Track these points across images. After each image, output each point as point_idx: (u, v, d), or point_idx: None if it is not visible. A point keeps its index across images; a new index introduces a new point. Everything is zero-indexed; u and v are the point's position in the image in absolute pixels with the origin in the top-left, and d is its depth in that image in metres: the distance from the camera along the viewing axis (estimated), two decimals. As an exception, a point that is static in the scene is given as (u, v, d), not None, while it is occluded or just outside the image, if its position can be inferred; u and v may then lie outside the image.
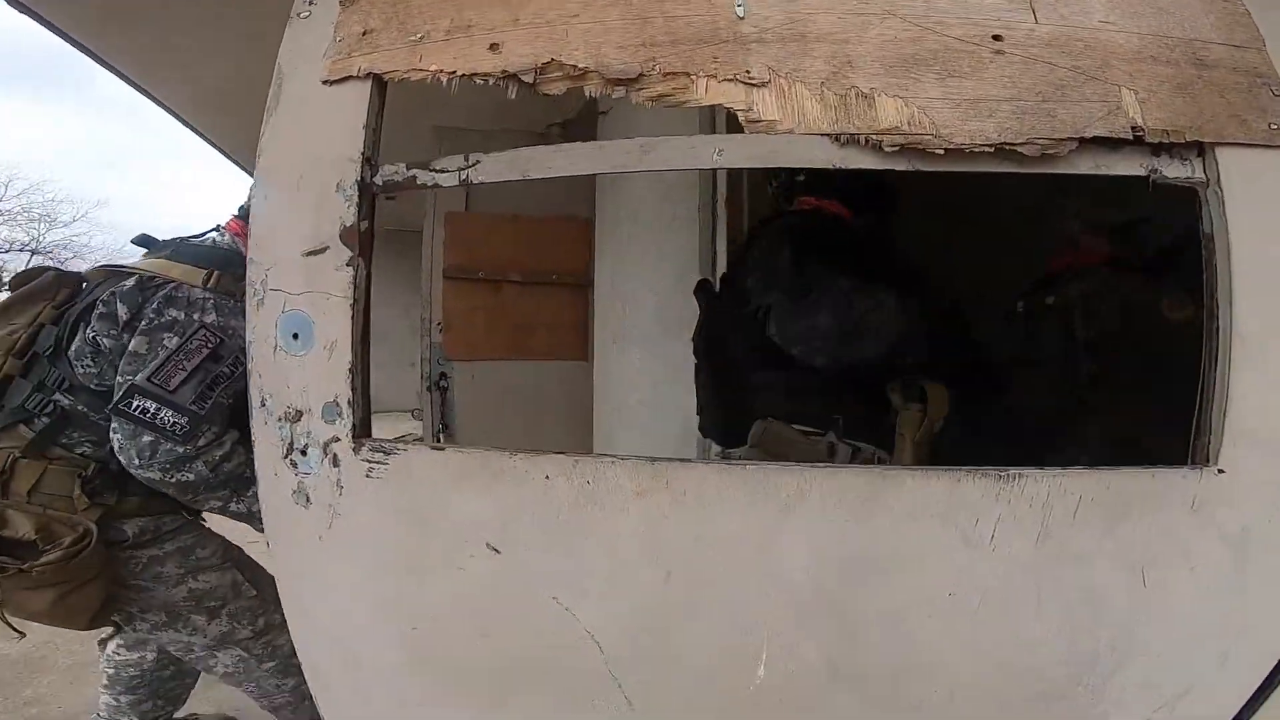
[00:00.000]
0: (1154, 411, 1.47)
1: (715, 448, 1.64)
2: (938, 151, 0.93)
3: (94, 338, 1.38)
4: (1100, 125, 0.91)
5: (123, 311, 1.38)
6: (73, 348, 1.40)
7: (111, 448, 1.35)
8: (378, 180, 1.09)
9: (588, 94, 1.05)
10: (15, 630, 1.31)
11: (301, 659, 1.24)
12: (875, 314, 1.19)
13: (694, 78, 1.01)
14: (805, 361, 1.24)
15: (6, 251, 13.58)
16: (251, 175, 1.20)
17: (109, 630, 1.66)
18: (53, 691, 2.20)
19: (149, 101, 2.54)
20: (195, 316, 1.39)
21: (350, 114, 1.08)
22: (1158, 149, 0.93)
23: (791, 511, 0.97)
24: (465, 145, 1.16)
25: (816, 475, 0.97)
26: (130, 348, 1.35)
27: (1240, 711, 0.99)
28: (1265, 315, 0.90)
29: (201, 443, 1.38)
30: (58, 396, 1.38)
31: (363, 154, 1.07)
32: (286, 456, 1.17)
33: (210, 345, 1.38)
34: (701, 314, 1.62)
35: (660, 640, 1.07)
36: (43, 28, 2.00)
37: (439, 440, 2.79)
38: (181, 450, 1.34)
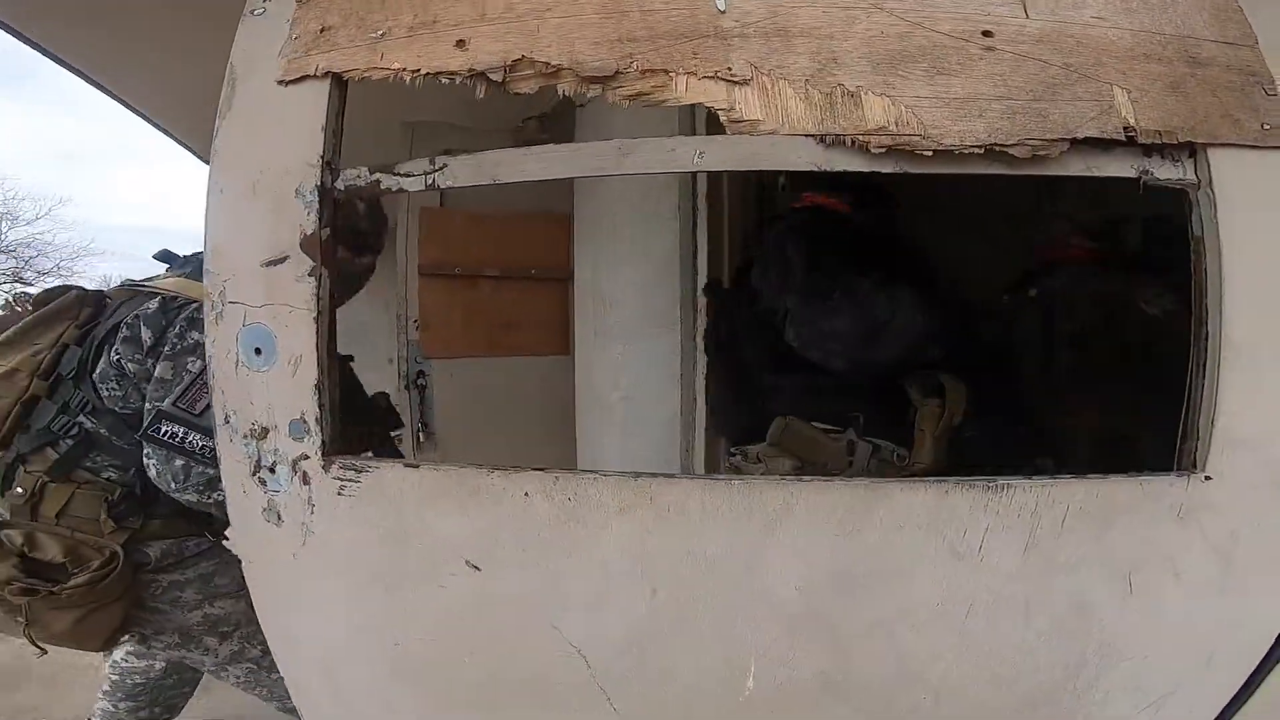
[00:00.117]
0: (1132, 403, 1.50)
1: (720, 445, 1.63)
2: (926, 153, 0.90)
3: (119, 361, 1.38)
4: (1092, 125, 0.89)
5: (146, 336, 1.37)
6: (97, 370, 1.39)
7: (140, 471, 1.36)
8: (339, 185, 1.04)
9: (561, 93, 1.00)
10: (40, 648, 1.34)
11: (284, 675, 1.23)
12: (893, 315, 1.18)
13: (673, 75, 0.97)
14: (824, 365, 1.24)
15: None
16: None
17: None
18: (34, 701, 2.18)
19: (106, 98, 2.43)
20: None
21: (308, 115, 1.03)
22: (1149, 149, 0.91)
23: (778, 526, 0.96)
24: (438, 141, 1.11)
25: (803, 490, 0.95)
26: (156, 373, 1.35)
27: (1224, 710, 1.00)
28: (1255, 321, 0.89)
29: None
30: (82, 419, 1.38)
31: (322, 157, 1.02)
32: (255, 474, 1.13)
33: None
34: (712, 313, 1.62)
35: (648, 655, 1.05)
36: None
37: (419, 439, 2.74)
38: (213, 472, 1.33)
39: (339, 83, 1.04)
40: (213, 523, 1.42)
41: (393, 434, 1.78)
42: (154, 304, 1.40)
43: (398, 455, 1.66)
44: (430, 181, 1.02)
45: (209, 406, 1.30)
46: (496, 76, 0.99)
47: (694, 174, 1.97)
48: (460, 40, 1.01)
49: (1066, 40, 0.94)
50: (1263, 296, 0.89)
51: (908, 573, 0.95)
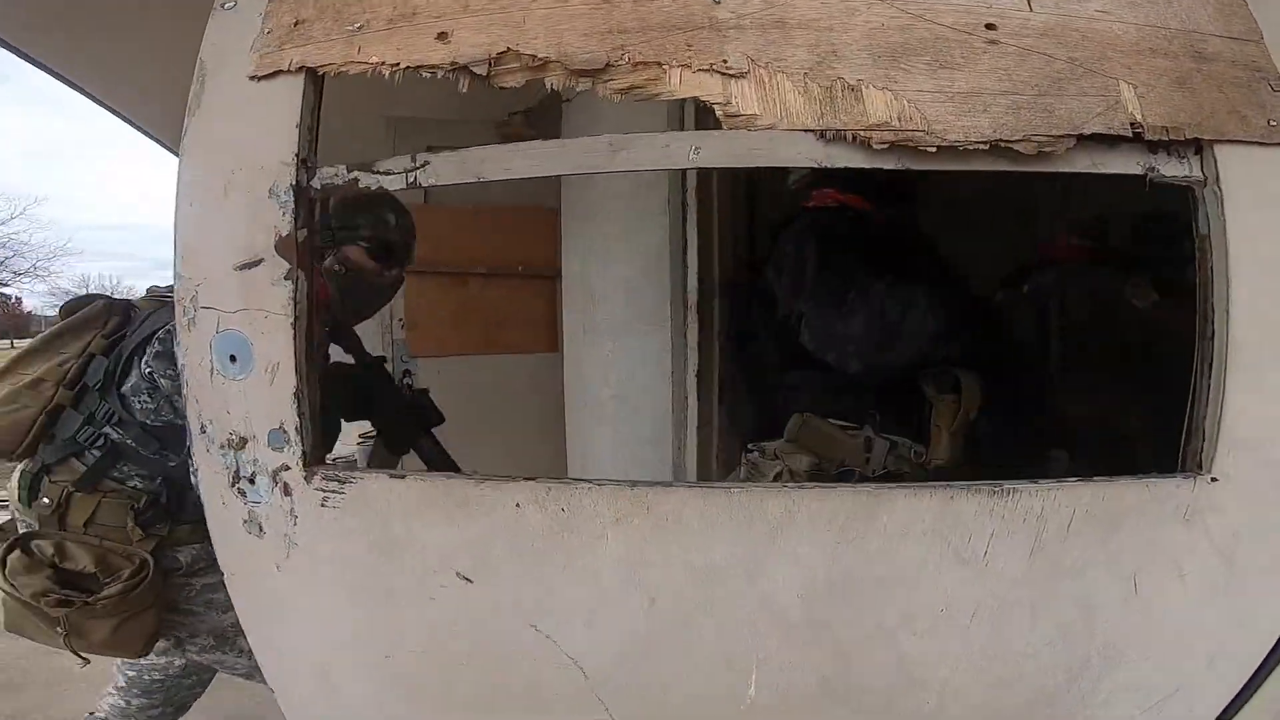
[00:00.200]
0: (1124, 396, 1.51)
1: (720, 445, 1.63)
2: (930, 149, 0.87)
3: (151, 375, 1.35)
4: (1099, 121, 0.86)
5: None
6: (128, 384, 1.38)
7: (166, 479, 1.36)
8: (316, 184, 0.99)
9: (549, 87, 0.96)
10: (82, 657, 1.35)
11: (273, 686, 1.20)
12: (908, 317, 1.19)
13: (666, 68, 0.93)
14: (840, 367, 1.25)
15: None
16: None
17: None
18: (37, 705, 2.19)
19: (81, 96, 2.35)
20: None
21: (282, 112, 0.98)
22: (1155, 146, 0.88)
23: (780, 535, 0.93)
24: (420, 136, 1.07)
25: (805, 497, 0.93)
26: None
27: (1224, 710, 0.99)
28: (1262, 320, 0.88)
29: None
30: (108, 430, 1.36)
31: (297, 155, 0.97)
32: (233, 485, 1.10)
33: None
34: (729, 313, 1.64)
35: (647, 665, 1.04)
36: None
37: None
38: None
39: (314, 78, 0.99)
40: None
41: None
42: None
43: (442, 452, 1.65)
44: (412, 179, 0.97)
45: None
46: (480, 70, 0.94)
47: (684, 169, 1.93)
48: (442, 32, 0.97)
49: (1071, 34, 0.92)
50: (1269, 296, 0.88)
51: (912, 580, 0.94)
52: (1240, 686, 0.98)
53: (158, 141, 2.85)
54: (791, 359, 1.34)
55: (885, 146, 0.88)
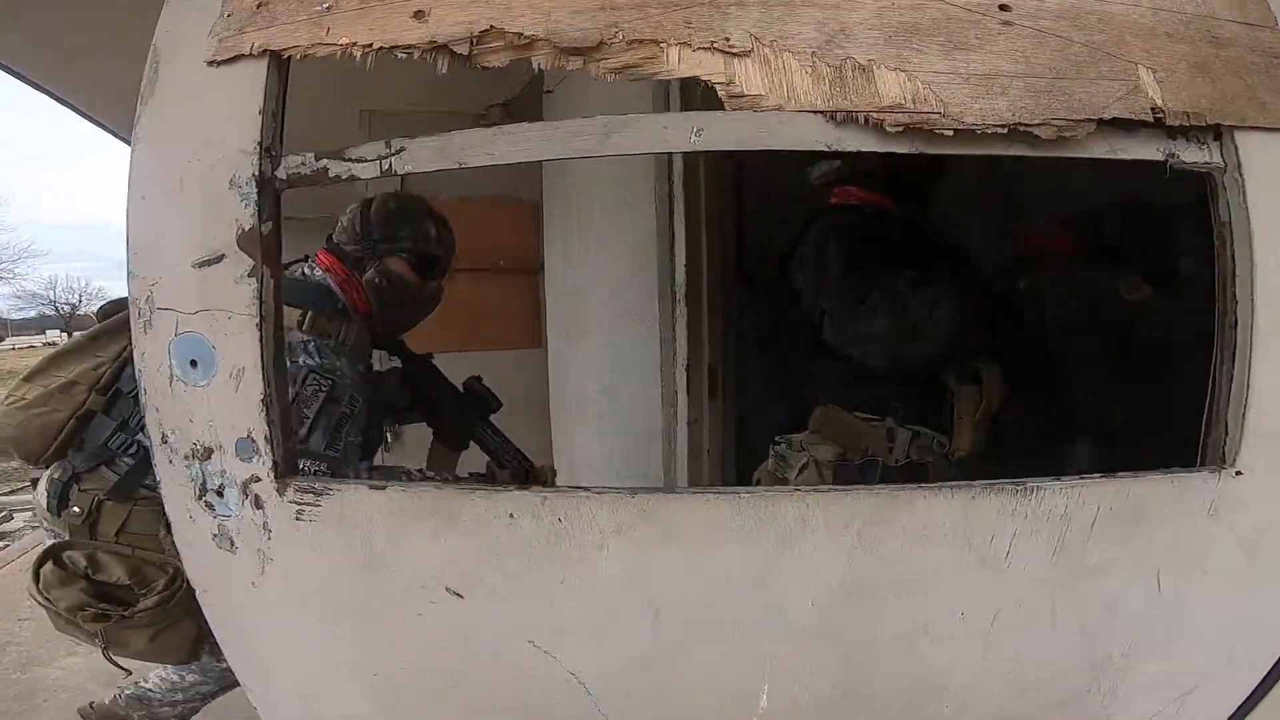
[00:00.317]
0: (1121, 389, 1.50)
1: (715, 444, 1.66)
2: (946, 132, 0.82)
3: None
4: (1119, 106, 0.83)
5: None
6: None
7: None
8: (281, 174, 0.91)
9: (536, 67, 0.89)
10: (123, 669, 1.35)
11: (255, 702, 1.14)
12: (931, 314, 1.19)
13: (664, 46, 0.87)
14: (864, 362, 1.26)
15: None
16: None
17: None
18: None
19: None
20: (301, 361, 1.31)
21: (243, 99, 0.90)
22: (1174, 132, 0.85)
23: (793, 542, 0.88)
24: (396, 130, 0.98)
25: (820, 500, 0.88)
26: None
27: (1243, 704, 0.98)
28: (1284, 309, 0.85)
29: None
30: (141, 437, 1.34)
31: (260, 144, 0.89)
32: (200, 498, 1.02)
33: (324, 389, 1.32)
34: (746, 310, 1.66)
35: (652, 678, 0.99)
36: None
37: (387, 440, 2.61)
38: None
39: (278, 61, 0.91)
40: None
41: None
42: None
43: (505, 440, 1.65)
44: (386, 166, 0.90)
45: (310, 431, 1.27)
46: (461, 49, 0.87)
47: (669, 158, 1.87)
48: (419, 10, 0.89)
49: (1087, 17, 0.88)
50: (1292, 285, 0.85)
51: (931, 583, 0.90)
52: (1259, 680, 0.96)
53: (114, 134, 2.71)
54: (812, 356, 1.34)
55: (899, 129, 0.83)
